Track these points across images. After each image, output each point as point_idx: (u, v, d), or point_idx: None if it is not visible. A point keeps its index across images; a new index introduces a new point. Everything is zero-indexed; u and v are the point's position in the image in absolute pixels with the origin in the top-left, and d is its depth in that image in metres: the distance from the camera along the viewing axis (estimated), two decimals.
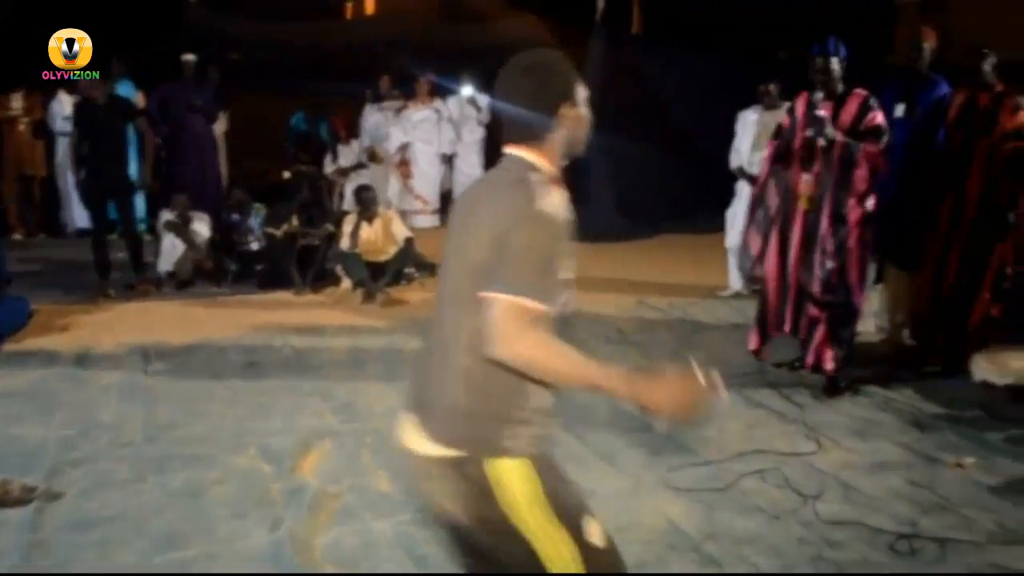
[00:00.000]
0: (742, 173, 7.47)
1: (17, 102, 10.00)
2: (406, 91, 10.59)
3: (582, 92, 2.08)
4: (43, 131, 10.06)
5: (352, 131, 10.58)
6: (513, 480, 1.95)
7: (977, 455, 4.40)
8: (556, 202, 1.93)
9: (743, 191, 7.50)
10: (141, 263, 7.77)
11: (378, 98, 10.54)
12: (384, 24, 21.23)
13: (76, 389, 5.20)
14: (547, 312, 1.87)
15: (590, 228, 10.14)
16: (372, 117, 10.52)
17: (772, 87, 7.31)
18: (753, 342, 5.58)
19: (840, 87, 5.16)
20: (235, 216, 8.36)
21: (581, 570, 1.98)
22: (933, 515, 3.80)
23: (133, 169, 7.94)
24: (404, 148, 10.29)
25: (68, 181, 9.39)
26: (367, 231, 7.83)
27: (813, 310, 5.18)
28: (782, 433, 4.70)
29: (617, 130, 10.07)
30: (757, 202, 5.50)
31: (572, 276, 2.01)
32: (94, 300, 7.27)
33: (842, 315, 5.13)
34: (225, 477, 4.06)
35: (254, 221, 8.30)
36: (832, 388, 5.21)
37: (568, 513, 1.99)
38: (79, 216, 9.57)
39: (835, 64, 5.13)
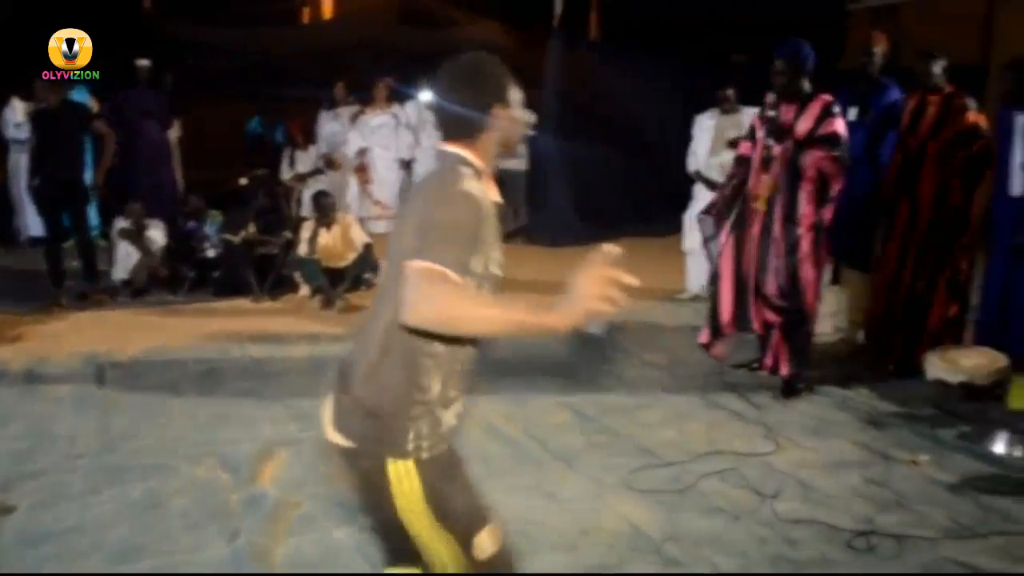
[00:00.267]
0: (699, 177, 7.54)
1: None
2: (363, 97, 10.54)
3: (516, 94, 2.15)
4: None
5: (309, 137, 10.51)
6: (401, 480, 2.00)
7: (931, 452, 4.48)
8: (480, 188, 1.98)
9: (700, 194, 7.56)
10: (95, 272, 7.66)
11: (333, 104, 10.48)
12: (341, 29, 21.14)
13: (29, 401, 5.11)
14: (459, 283, 1.82)
15: (549, 232, 10.23)
16: (328, 124, 10.45)
17: (729, 91, 7.39)
18: (703, 336, 5.61)
19: (804, 90, 5.13)
20: (191, 223, 8.27)
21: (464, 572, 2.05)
22: (889, 512, 3.86)
23: (89, 176, 7.83)
24: (362, 153, 10.24)
25: (21, 188, 9.24)
26: (325, 237, 7.79)
27: (769, 314, 5.23)
28: (741, 434, 4.74)
29: (575, 134, 10.15)
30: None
31: (501, 273, 2.05)
32: (47, 310, 7.15)
33: (796, 318, 5.16)
34: (183, 487, 4.01)
35: (210, 228, 8.22)
36: (789, 389, 5.27)
37: (454, 518, 2.04)
38: (32, 224, 9.39)
39: (791, 67, 5.10)
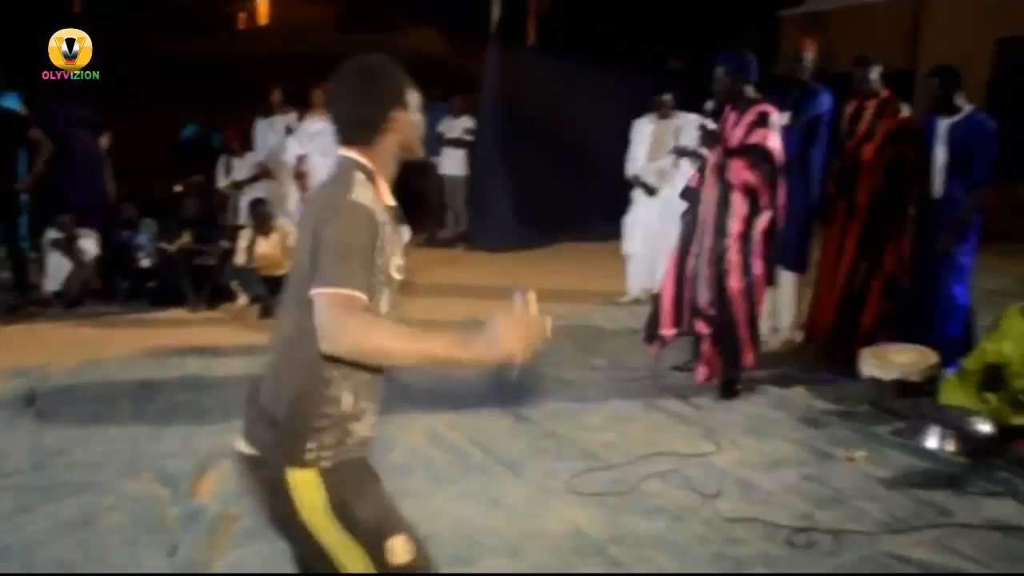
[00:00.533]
0: (637, 181, 7.60)
1: None
2: (300, 104, 10.42)
3: (414, 97, 2.13)
4: None
5: (246, 143, 10.36)
6: (301, 489, 1.98)
7: (867, 448, 4.57)
8: (369, 195, 1.97)
9: (640, 199, 7.63)
10: (26, 283, 7.47)
11: (269, 111, 10.35)
12: (278, 35, 20.99)
13: None
14: (369, 303, 1.88)
15: (490, 238, 10.24)
16: (263, 132, 10.30)
17: (666, 97, 7.45)
18: (643, 334, 5.67)
19: (745, 98, 5.13)
20: (126, 233, 8.11)
21: None
22: (827, 508, 3.92)
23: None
24: (302, 160, 10.14)
25: None
26: (263, 245, 7.69)
27: (700, 323, 5.29)
28: (682, 435, 4.79)
29: (514, 140, 10.17)
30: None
31: (402, 277, 2.05)
32: None
33: (724, 329, 5.19)
34: (118, 503, 3.92)
35: (144, 237, 8.07)
36: (728, 390, 5.33)
37: (363, 526, 2.02)
38: None
39: (730, 74, 5.11)
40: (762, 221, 5.13)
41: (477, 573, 3.39)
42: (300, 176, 9.76)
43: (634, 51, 13.55)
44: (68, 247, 7.65)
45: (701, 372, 5.35)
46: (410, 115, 2.11)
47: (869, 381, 5.29)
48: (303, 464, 1.98)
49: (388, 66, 2.12)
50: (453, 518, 3.82)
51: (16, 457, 4.42)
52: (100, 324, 7.15)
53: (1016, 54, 11.78)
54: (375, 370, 2.03)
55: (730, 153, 5.11)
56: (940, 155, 5.49)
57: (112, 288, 7.83)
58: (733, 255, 5.11)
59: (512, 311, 1.86)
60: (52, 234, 7.80)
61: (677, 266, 5.42)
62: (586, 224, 10.15)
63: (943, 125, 5.48)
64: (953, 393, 4.85)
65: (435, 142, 10.94)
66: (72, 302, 7.60)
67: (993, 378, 4.78)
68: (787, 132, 5.86)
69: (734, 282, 5.13)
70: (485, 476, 4.22)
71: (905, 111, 5.72)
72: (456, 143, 10.71)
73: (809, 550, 3.57)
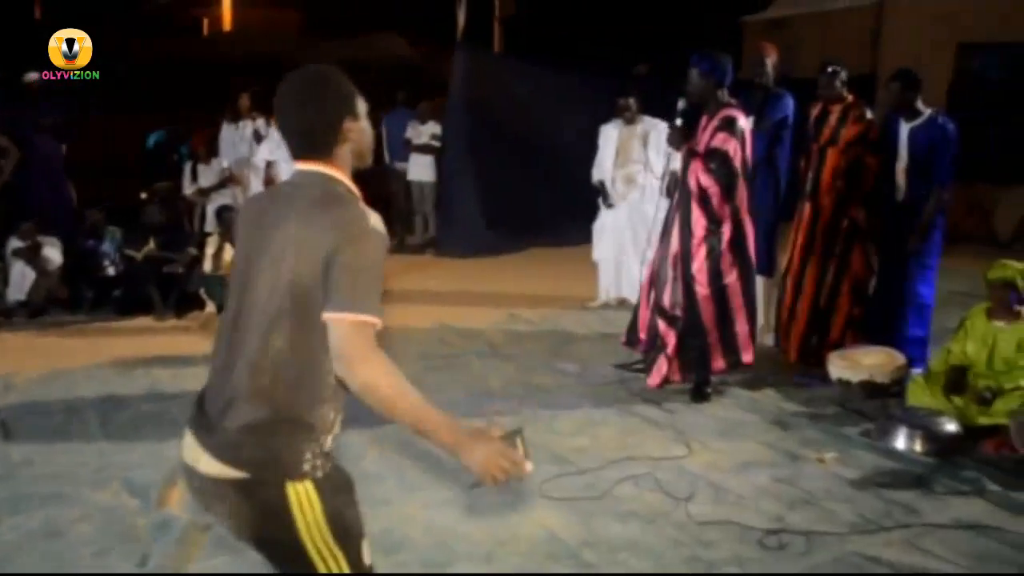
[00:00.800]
0: (602, 187, 7.59)
1: None
2: (267, 109, 10.35)
3: (363, 105, 2.12)
4: None
5: (212, 150, 10.27)
6: (302, 502, 1.97)
7: (836, 450, 4.61)
8: (379, 219, 1.99)
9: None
10: None
11: (237, 117, 10.27)
12: (243, 40, 20.83)
13: None
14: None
15: (459, 244, 10.22)
16: (231, 137, 10.21)
17: (630, 101, 7.44)
18: (624, 339, 5.73)
19: (717, 101, 5.13)
20: (91, 241, 8.01)
21: None
22: (798, 509, 3.96)
23: None
24: (270, 166, 10.06)
25: None
26: (230, 252, 7.61)
27: (661, 324, 5.31)
28: (654, 438, 4.80)
29: (482, 146, 10.16)
30: None
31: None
32: None
33: (691, 330, 5.22)
34: (87, 514, 3.87)
35: (110, 245, 7.98)
36: (699, 394, 5.35)
37: (348, 533, 2.05)
38: None
39: (702, 77, 5.10)
40: (726, 230, 5.14)
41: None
42: (269, 182, 9.69)
43: (599, 56, 13.59)
44: (32, 256, 7.54)
45: (655, 376, 5.36)
46: (361, 123, 2.10)
47: (837, 383, 5.34)
48: (301, 476, 1.97)
49: (335, 75, 2.09)
50: (426, 525, 3.81)
51: None
52: (65, 333, 7.06)
53: (976, 59, 11.98)
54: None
55: (693, 155, 5.15)
56: (902, 158, 5.57)
57: (77, 297, 7.72)
58: (699, 260, 5.15)
59: (507, 443, 1.96)
60: (15, 243, 7.68)
61: (651, 272, 5.46)
62: (555, 229, 10.16)
63: (904, 129, 5.55)
64: (920, 394, 4.91)
65: (403, 148, 10.93)
66: (36, 311, 7.49)
67: (958, 379, 4.85)
68: (752, 136, 5.91)
69: (701, 288, 5.16)
70: (457, 482, 4.20)
71: (869, 116, 5.79)
72: (424, 149, 10.69)
73: (781, 551, 3.60)
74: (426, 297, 8.01)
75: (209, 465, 1.99)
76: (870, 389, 5.21)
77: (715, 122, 5.12)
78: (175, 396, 5.44)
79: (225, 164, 9.89)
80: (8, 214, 8.57)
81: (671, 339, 5.26)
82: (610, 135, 7.60)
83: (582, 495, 4.08)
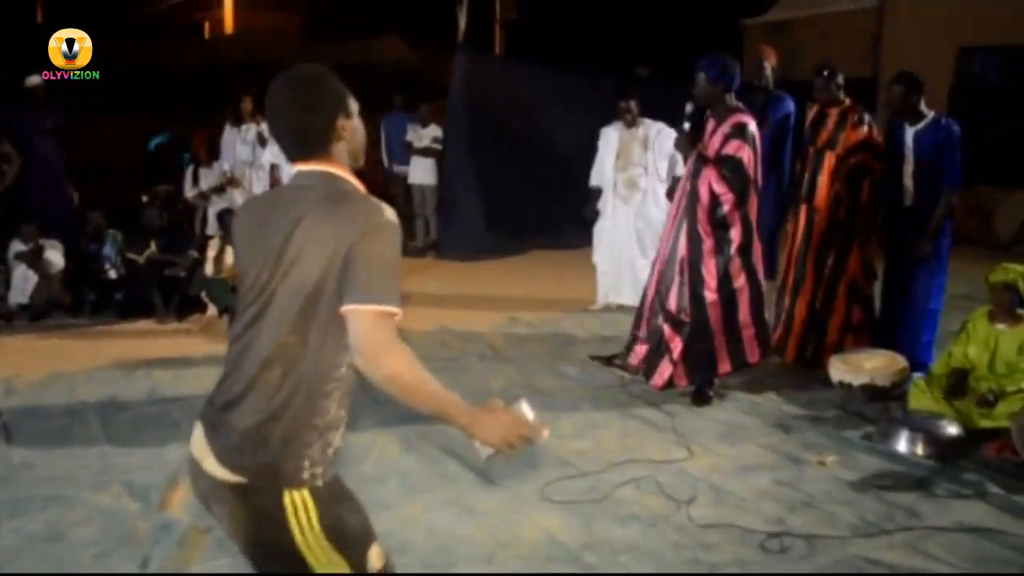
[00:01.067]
0: (591, 194, 7.55)
1: None
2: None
3: (354, 104, 2.12)
4: None
5: (213, 153, 10.28)
6: (298, 510, 1.98)
7: (838, 453, 4.61)
8: (393, 212, 2.00)
9: (608, 209, 7.59)
10: None
11: (239, 120, 10.28)
12: (244, 43, 20.86)
13: None
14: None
15: (460, 247, 10.21)
16: (232, 140, 10.22)
17: (631, 103, 7.42)
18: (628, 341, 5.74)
19: (726, 105, 5.10)
20: (93, 245, 8.01)
21: None
22: (799, 512, 3.96)
23: None
24: (274, 169, 10.06)
25: None
26: (232, 255, 7.62)
27: (666, 327, 5.31)
28: (655, 441, 4.80)
29: (483, 149, 10.16)
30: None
31: None
32: None
33: (693, 335, 5.23)
34: (88, 517, 3.87)
35: (111, 249, 7.98)
36: (700, 397, 5.35)
37: (348, 540, 2.04)
38: None
39: (709, 80, 5.05)
40: (736, 236, 5.13)
41: None
42: (275, 185, 9.71)
43: (600, 59, 13.61)
44: (34, 260, 7.54)
45: (657, 378, 5.36)
46: (353, 121, 2.10)
47: (838, 386, 5.34)
48: (299, 485, 1.98)
49: (325, 74, 2.09)
50: (427, 527, 3.81)
51: None
52: (67, 336, 7.06)
53: (976, 62, 11.99)
54: (357, 378, 2.04)
55: (704, 161, 5.13)
56: (909, 162, 5.56)
57: (79, 300, 7.73)
58: (709, 267, 5.14)
59: (518, 413, 1.97)
60: (17, 246, 7.69)
61: (659, 275, 5.47)
62: (556, 232, 10.17)
63: (909, 133, 5.54)
64: (922, 397, 4.91)
65: (403, 151, 10.93)
66: (38, 314, 7.50)
67: (959, 382, 4.85)
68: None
69: (709, 293, 5.16)
70: (458, 485, 4.21)
71: (867, 120, 5.78)
72: (425, 152, 10.70)
73: (783, 555, 3.60)
74: (427, 300, 8.01)
75: (213, 467, 2.02)
76: (871, 392, 5.20)
77: (725, 128, 5.08)
78: (176, 399, 5.44)
79: (226, 167, 9.90)
80: (8, 216, 8.58)
81: (677, 344, 5.26)
82: (610, 138, 7.58)
83: (583, 498, 4.08)
